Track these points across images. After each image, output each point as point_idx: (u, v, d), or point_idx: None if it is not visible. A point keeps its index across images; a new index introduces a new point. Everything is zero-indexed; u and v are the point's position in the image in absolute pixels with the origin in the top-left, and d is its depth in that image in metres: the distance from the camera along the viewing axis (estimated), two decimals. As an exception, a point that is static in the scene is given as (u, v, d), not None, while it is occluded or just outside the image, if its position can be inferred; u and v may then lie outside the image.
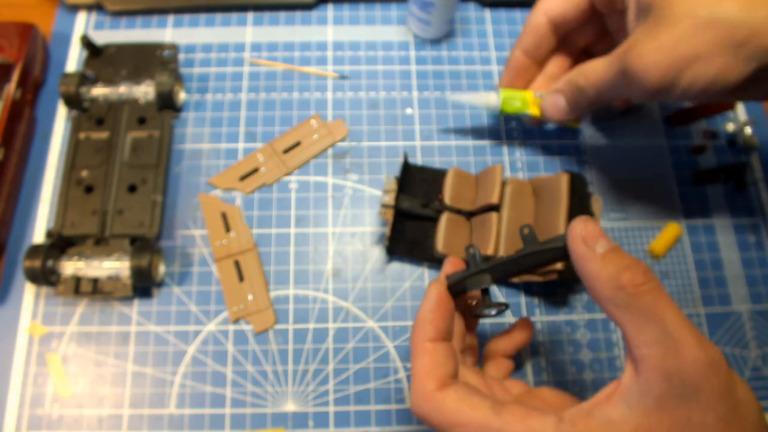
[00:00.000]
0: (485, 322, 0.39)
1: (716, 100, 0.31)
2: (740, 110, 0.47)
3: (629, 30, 0.31)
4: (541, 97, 0.40)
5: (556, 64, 0.40)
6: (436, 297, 0.28)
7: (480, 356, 0.35)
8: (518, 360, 0.38)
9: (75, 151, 0.42)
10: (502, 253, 0.37)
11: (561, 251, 0.25)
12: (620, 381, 0.23)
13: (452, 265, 0.30)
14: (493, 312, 0.30)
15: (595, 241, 0.24)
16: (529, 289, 0.41)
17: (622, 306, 0.22)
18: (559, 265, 0.35)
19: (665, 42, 0.27)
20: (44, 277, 0.37)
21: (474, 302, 0.32)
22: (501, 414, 0.23)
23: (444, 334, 0.27)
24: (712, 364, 0.21)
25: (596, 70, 0.32)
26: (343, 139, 0.45)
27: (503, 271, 0.28)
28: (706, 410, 0.20)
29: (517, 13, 0.50)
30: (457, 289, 0.29)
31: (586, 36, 0.39)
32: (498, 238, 0.37)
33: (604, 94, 0.33)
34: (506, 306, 0.29)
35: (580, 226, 0.24)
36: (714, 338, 0.40)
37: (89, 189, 0.41)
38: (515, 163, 0.44)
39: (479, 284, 0.28)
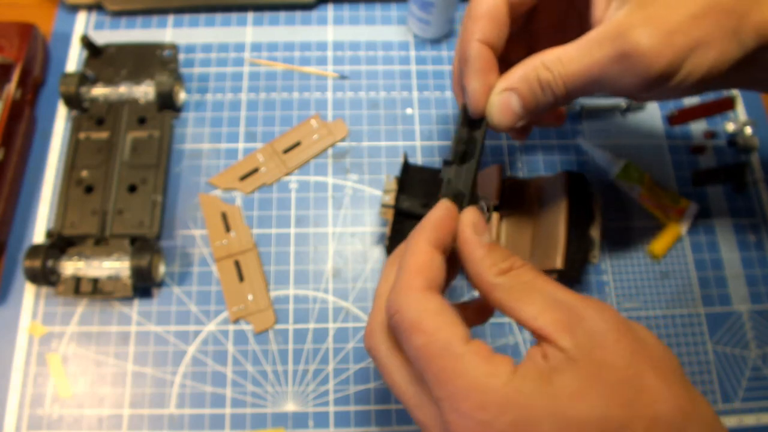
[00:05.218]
0: None
1: (682, 95, 0.29)
2: (740, 110, 0.47)
3: (596, 15, 0.27)
4: None
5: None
6: (446, 208, 0.27)
7: None
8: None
9: (75, 151, 0.42)
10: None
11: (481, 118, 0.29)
12: (545, 351, 0.23)
13: (445, 210, 0.27)
14: (491, 209, 0.35)
15: (483, 231, 0.26)
16: (529, 289, 0.40)
17: (508, 289, 0.24)
18: (558, 266, 0.35)
19: (669, 25, 0.25)
20: (44, 277, 0.37)
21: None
22: (469, 344, 0.23)
23: (443, 247, 0.26)
24: (601, 308, 0.23)
25: (566, 58, 0.26)
26: (343, 139, 0.45)
27: (479, 167, 0.29)
28: (615, 350, 0.22)
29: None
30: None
31: (544, 22, 0.33)
32: (498, 238, 0.37)
33: (580, 89, 0.27)
34: (490, 200, 0.35)
35: (471, 215, 0.26)
36: (714, 338, 0.40)
37: (89, 189, 0.41)
38: (515, 163, 0.44)
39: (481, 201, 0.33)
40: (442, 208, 0.27)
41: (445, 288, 0.29)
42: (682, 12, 0.25)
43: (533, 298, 0.23)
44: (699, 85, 0.26)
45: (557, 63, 0.26)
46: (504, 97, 0.28)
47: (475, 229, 0.26)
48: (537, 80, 0.27)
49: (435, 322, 0.23)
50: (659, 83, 0.26)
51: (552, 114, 0.35)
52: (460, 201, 0.28)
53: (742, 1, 0.26)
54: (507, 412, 0.21)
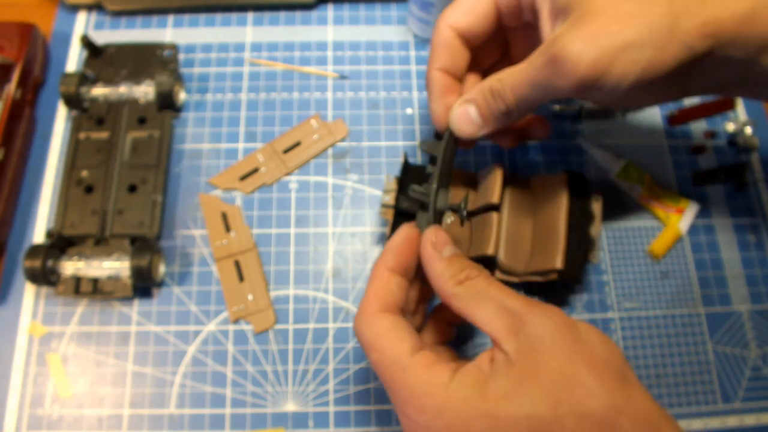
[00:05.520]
0: None
1: (644, 101, 0.31)
2: (740, 110, 0.47)
3: (544, 36, 0.30)
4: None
5: (470, 83, 0.37)
6: (406, 234, 0.30)
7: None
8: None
9: (75, 151, 0.42)
10: (502, 253, 0.37)
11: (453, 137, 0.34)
12: (492, 355, 0.25)
13: (405, 236, 0.30)
14: (465, 208, 0.35)
15: (442, 247, 0.29)
16: (529, 290, 0.41)
17: (464, 297, 0.27)
18: (558, 266, 0.35)
19: (595, 30, 0.26)
20: (44, 277, 0.37)
21: (450, 220, 0.38)
22: (414, 356, 0.26)
23: (403, 270, 0.29)
24: (546, 314, 0.25)
25: (514, 71, 0.30)
26: (343, 139, 0.45)
27: (445, 174, 0.33)
28: (552, 352, 0.24)
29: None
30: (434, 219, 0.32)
31: (492, 55, 0.37)
32: (498, 238, 0.37)
33: (525, 96, 0.30)
34: (466, 197, 0.35)
35: (431, 233, 0.29)
36: (714, 338, 0.40)
37: (89, 189, 0.41)
38: (515, 163, 0.44)
39: (445, 201, 0.34)
40: (402, 233, 0.30)
41: (426, 300, 0.33)
42: (608, 16, 0.26)
43: (486, 305, 0.26)
44: (651, 88, 0.27)
45: (507, 75, 0.30)
46: (463, 107, 0.32)
47: (434, 246, 0.29)
48: (490, 91, 0.31)
49: (385, 340, 0.26)
50: (591, 83, 0.27)
51: (536, 125, 0.36)
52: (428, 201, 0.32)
53: (678, 3, 0.26)
54: (443, 415, 0.24)
